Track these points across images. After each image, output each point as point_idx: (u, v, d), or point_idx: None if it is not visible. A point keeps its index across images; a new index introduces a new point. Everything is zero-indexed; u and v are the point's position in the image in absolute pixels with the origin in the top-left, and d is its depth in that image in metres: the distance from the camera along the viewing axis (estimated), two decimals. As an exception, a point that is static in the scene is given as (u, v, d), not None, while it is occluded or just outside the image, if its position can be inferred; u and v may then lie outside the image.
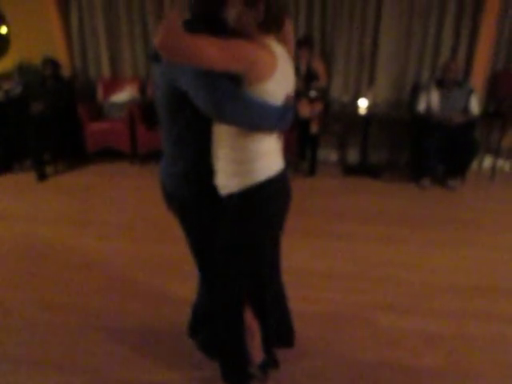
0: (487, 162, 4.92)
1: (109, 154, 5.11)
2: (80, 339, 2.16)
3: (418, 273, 2.81)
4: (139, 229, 3.41)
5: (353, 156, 5.17)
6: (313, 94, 4.53)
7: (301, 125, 4.56)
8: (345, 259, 2.97)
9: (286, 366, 1.96)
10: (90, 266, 2.84)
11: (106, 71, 5.38)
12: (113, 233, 3.33)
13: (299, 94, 4.57)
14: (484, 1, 4.43)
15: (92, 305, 2.44)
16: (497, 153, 4.69)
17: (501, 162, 4.87)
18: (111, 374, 1.95)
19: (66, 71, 5.17)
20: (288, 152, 4.63)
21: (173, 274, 2.74)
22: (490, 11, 4.44)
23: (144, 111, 4.90)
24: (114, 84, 5.32)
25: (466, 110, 4.28)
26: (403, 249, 3.13)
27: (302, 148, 4.82)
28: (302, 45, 4.42)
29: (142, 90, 5.29)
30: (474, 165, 4.75)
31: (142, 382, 1.91)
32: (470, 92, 4.28)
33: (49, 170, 4.70)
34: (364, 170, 4.82)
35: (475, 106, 4.27)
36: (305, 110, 4.47)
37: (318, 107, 4.52)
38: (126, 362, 2.01)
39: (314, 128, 4.57)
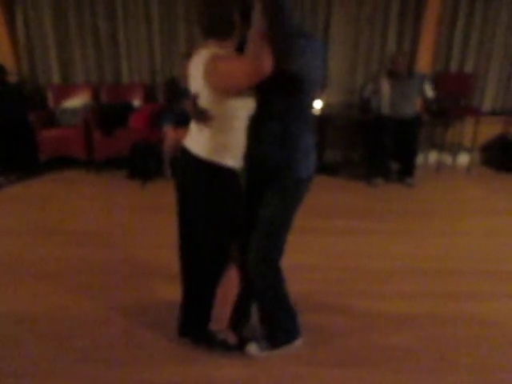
0: (432, 156, 5.29)
1: (63, 162, 4.96)
2: (52, 350, 2.12)
3: (382, 261, 2.99)
4: (103, 235, 3.34)
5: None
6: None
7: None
8: (313, 252, 3.10)
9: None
10: (57, 275, 2.77)
11: (56, 77, 5.22)
12: (75, 241, 3.24)
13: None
14: (424, 9, 4.77)
15: (68, 313, 2.39)
16: (441, 148, 5.07)
17: (444, 156, 5.25)
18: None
19: (13, 78, 4.97)
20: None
21: (146, 277, 2.74)
22: (430, 19, 4.79)
23: (100, 117, 4.81)
24: (65, 90, 5.18)
25: (423, 96, 4.50)
26: (367, 240, 3.31)
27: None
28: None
29: (95, 95, 5.19)
30: (421, 160, 5.09)
31: None
32: (423, 78, 4.52)
33: (0, 180, 4.49)
34: (322, 168, 5.01)
35: (429, 90, 4.48)
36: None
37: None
38: (110, 370, 2.00)
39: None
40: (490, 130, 5.25)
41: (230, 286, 1.94)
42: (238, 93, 1.58)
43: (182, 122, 4.70)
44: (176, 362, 2.01)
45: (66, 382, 1.91)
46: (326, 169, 4.97)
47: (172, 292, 2.45)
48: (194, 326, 2.01)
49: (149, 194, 4.30)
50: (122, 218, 3.67)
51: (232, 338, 2.04)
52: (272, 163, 1.71)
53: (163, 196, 4.21)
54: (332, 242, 3.26)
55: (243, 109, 1.64)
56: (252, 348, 2.02)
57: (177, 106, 4.75)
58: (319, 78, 1.69)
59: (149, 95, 5.24)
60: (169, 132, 4.61)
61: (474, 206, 4.09)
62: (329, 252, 3.11)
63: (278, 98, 1.62)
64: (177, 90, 4.79)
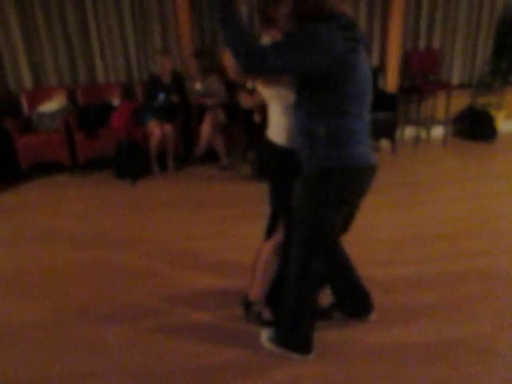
0: (408, 132, 5.51)
1: (46, 168, 4.86)
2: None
3: (384, 231, 3.15)
4: (108, 236, 3.33)
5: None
6: (250, 85, 4.71)
7: (244, 116, 4.73)
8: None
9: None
10: (68, 280, 2.76)
11: (27, 81, 5.07)
12: (80, 244, 3.21)
13: (237, 86, 4.73)
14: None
15: (68, 318, 2.40)
16: (416, 123, 5.29)
17: (420, 131, 5.48)
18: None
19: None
20: (237, 143, 4.85)
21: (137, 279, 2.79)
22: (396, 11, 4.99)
23: (80, 119, 4.73)
24: (38, 94, 5.03)
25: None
26: (363, 213, 3.45)
27: (248, 138, 5.00)
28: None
29: (71, 97, 5.09)
30: (398, 135, 5.30)
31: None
32: None
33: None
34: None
35: None
36: (246, 100, 4.64)
37: (258, 97, 4.71)
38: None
39: (257, 117, 4.76)
40: (460, 102, 5.52)
41: (270, 259, 2.02)
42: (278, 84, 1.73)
43: (165, 117, 4.72)
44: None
45: None
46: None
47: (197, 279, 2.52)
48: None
49: (141, 191, 4.29)
50: (121, 218, 3.65)
51: (266, 314, 2.12)
52: (299, 152, 1.76)
53: (156, 192, 4.22)
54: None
55: (277, 97, 1.78)
56: (263, 338, 2.06)
57: (157, 102, 4.74)
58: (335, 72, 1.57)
59: (127, 93, 5.18)
60: (153, 127, 4.61)
61: (453, 175, 4.33)
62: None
63: (303, 93, 1.67)
64: (157, 86, 4.77)
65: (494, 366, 1.88)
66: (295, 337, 1.94)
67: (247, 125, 4.81)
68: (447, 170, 4.51)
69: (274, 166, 1.94)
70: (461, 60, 5.41)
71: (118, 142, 4.63)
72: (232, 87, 4.76)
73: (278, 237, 2.00)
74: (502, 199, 3.66)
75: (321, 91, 1.61)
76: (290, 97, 1.72)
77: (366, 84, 1.65)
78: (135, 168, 4.63)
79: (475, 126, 5.49)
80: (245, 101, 4.63)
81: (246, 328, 2.16)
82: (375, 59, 5.30)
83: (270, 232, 2.04)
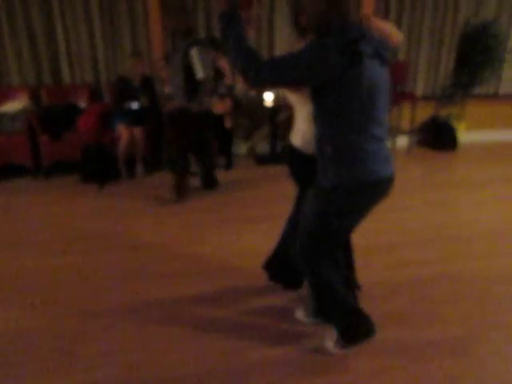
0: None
1: (7, 171, 4.65)
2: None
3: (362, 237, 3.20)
4: (70, 244, 3.23)
5: (262, 147, 5.49)
6: (221, 91, 4.70)
7: (215, 121, 4.70)
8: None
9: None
10: (41, 286, 2.65)
11: (-13, 80, 4.86)
12: (50, 251, 3.09)
13: (210, 92, 4.71)
14: (361, 2, 5.08)
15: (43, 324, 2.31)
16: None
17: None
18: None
19: None
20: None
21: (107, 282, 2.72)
22: (367, 10, 5.10)
23: (44, 121, 4.57)
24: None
25: None
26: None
27: (219, 143, 4.97)
28: (209, 45, 4.55)
29: (34, 98, 4.91)
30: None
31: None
32: None
33: None
34: (274, 159, 5.16)
35: None
36: (218, 106, 4.63)
37: (229, 103, 4.71)
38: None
39: (228, 123, 4.76)
40: (424, 113, 5.73)
41: None
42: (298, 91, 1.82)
43: (134, 121, 4.63)
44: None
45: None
46: (278, 159, 5.13)
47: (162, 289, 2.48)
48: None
49: (108, 196, 4.17)
50: (89, 223, 3.54)
51: None
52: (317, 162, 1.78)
53: (124, 197, 4.12)
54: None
55: (298, 104, 1.89)
56: (328, 344, 2.07)
57: (127, 105, 4.65)
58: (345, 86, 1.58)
59: (94, 95, 5.05)
60: (122, 131, 4.51)
61: (417, 183, 4.48)
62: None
63: (315, 105, 1.68)
64: (127, 89, 4.67)
65: (468, 366, 1.95)
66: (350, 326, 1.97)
67: (218, 130, 4.79)
68: (410, 178, 4.65)
69: (296, 170, 2.07)
70: (425, 72, 5.61)
71: (85, 146, 4.50)
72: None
73: None
74: (462, 206, 3.81)
75: (326, 108, 1.63)
76: (310, 105, 1.75)
77: (374, 99, 1.61)
78: (102, 172, 4.52)
79: (437, 137, 5.70)
80: (217, 107, 4.64)
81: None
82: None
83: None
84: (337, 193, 1.71)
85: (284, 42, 5.13)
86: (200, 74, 3.64)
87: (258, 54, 1.59)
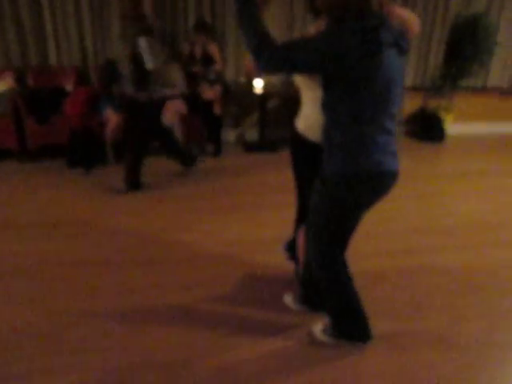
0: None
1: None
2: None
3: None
4: (53, 228, 3.20)
5: (251, 134, 5.47)
6: (210, 77, 4.67)
7: (204, 107, 4.68)
8: (279, 225, 3.26)
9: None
10: (33, 270, 2.63)
11: (-29, 61, 4.75)
12: (34, 234, 3.07)
13: (199, 77, 4.68)
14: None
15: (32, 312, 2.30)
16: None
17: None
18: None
19: None
20: (195, 135, 4.78)
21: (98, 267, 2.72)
22: None
23: (30, 104, 4.49)
24: (-16, 75, 4.72)
25: None
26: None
27: (208, 130, 4.94)
28: (199, 29, 4.51)
29: (20, 80, 4.81)
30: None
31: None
32: None
33: None
34: (263, 146, 5.16)
35: None
36: (208, 92, 4.60)
37: (219, 89, 4.68)
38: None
39: (218, 109, 4.73)
40: (412, 104, 5.75)
41: None
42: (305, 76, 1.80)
43: (121, 107, 4.56)
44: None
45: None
46: (266, 146, 5.12)
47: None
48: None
49: (95, 181, 4.13)
50: (75, 208, 3.52)
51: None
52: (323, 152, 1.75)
53: (111, 182, 4.08)
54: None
55: (306, 88, 1.86)
56: (318, 330, 2.09)
57: (116, 90, 4.57)
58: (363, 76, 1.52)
59: (81, 79, 4.97)
60: (111, 116, 4.45)
61: (404, 174, 4.47)
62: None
63: (325, 92, 1.63)
64: (114, 74, 4.59)
65: (448, 354, 2.00)
66: (349, 324, 1.99)
67: (207, 117, 4.77)
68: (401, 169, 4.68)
69: (299, 157, 2.07)
70: (414, 63, 5.62)
71: (72, 130, 4.44)
72: (192, 78, 4.69)
73: None
74: (449, 198, 3.86)
75: (338, 96, 1.57)
76: (318, 90, 1.71)
77: (389, 91, 1.56)
78: (89, 157, 4.47)
79: (425, 128, 5.74)
80: (207, 93, 4.61)
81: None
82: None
83: (301, 221, 2.20)
84: (340, 184, 1.68)
85: (278, 28, 5.09)
86: (149, 64, 3.58)
87: (272, 37, 1.53)
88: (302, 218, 2.22)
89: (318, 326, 2.10)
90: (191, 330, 2.12)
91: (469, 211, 3.59)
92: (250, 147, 5.18)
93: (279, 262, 2.66)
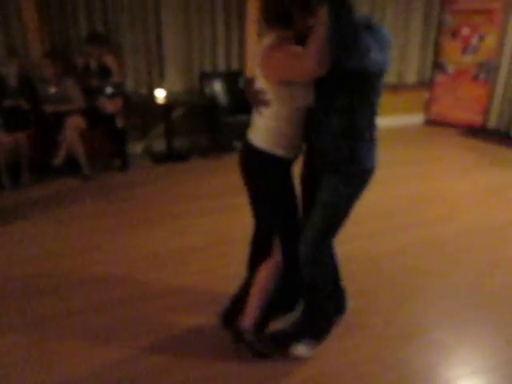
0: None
1: None
2: None
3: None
4: None
5: (158, 145, 5.38)
6: (109, 90, 4.53)
7: (106, 121, 4.53)
8: (200, 233, 3.29)
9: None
10: None
11: None
12: None
13: (96, 91, 4.52)
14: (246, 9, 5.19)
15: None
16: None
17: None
18: None
19: None
20: (99, 150, 4.59)
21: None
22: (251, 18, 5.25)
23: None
24: None
25: None
26: (242, 213, 3.60)
27: (112, 144, 4.77)
28: (92, 41, 4.36)
29: None
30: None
31: None
32: None
33: None
34: (172, 156, 5.11)
35: None
36: (108, 105, 4.47)
37: (120, 102, 4.56)
38: None
39: (120, 122, 4.60)
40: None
41: (269, 282, 1.92)
42: (292, 84, 1.63)
43: (16, 125, 4.26)
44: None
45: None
46: (175, 156, 5.09)
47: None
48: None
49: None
50: None
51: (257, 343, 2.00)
52: (335, 155, 1.74)
53: (11, 209, 3.79)
54: (218, 221, 3.47)
55: (299, 99, 1.67)
56: (299, 349, 2.01)
57: (8, 105, 4.26)
58: (384, 70, 1.66)
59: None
60: (1, 137, 4.13)
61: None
62: (213, 232, 3.31)
63: (341, 93, 1.63)
64: (3, 89, 4.27)
65: (361, 339, 2.15)
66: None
67: (110, 131, 4.62)
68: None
69: (259, 175, 1.82)
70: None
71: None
72: (89, 92, 4.52)
73: (277, 256, 1.90)
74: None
75: (364, 98, 1.67)
76: (304, 99, 1.67)
77: (380, 87, 1.72)
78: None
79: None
80: (107, 106, 4.46)
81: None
82: (235, 64, 5.47)
83: (263, 253, 1.92)
84: (363, 177, 1.81)
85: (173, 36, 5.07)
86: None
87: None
88: (260, 252, 1.97)
89: (301, 348, 2.01)
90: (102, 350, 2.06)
91: (379, 200, 3.85)
92: (158, 158, 5.11)
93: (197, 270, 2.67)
